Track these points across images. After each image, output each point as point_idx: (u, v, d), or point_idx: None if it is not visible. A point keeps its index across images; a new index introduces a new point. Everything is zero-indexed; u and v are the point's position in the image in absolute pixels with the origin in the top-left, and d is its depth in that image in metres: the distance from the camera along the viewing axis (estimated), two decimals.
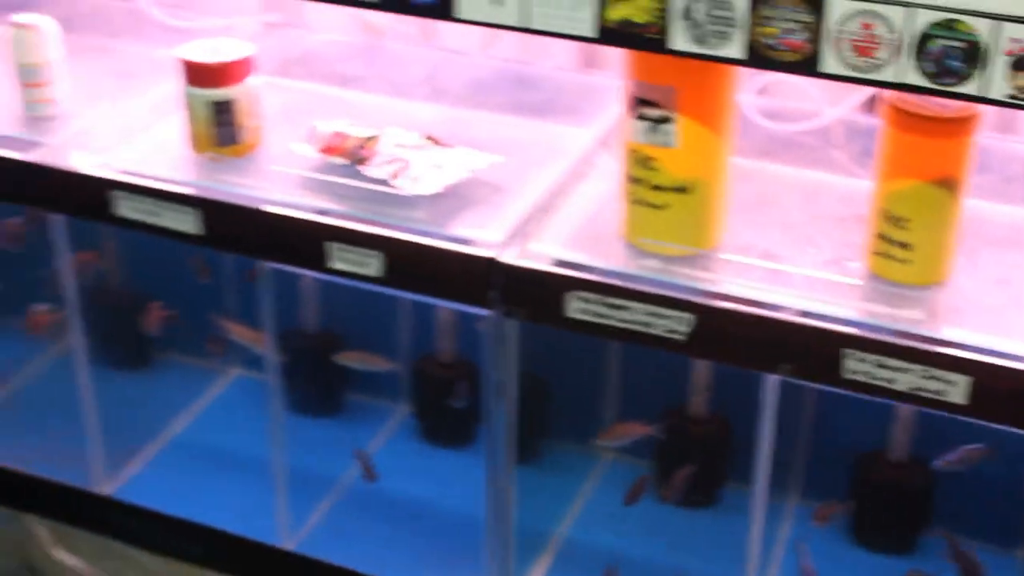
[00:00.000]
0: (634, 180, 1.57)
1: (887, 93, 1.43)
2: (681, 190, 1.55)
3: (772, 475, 1.62)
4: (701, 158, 1.55)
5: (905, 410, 1.79)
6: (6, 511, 2.12)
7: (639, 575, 1.86)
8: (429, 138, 1.78)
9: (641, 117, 1.53)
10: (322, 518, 1.96)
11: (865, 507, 1.92)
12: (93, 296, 2.02)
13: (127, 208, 1.75)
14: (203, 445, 2.09)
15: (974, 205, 1.66)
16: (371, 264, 1.65)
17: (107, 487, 2.01)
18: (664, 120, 1.52)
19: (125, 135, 1.85)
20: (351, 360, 2.00)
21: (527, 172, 1.76)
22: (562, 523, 1.95)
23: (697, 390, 1.93)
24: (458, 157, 1.73)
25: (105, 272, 2.12)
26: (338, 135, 1.77)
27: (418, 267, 1.63)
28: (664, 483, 1.90)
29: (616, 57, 1.58)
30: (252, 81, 1.77)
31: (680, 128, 1.52)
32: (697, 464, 1.88)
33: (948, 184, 1.49)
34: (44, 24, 1.83)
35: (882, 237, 1.54)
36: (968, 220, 1.56)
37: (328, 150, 1.76)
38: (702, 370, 1.92)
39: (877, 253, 1.55)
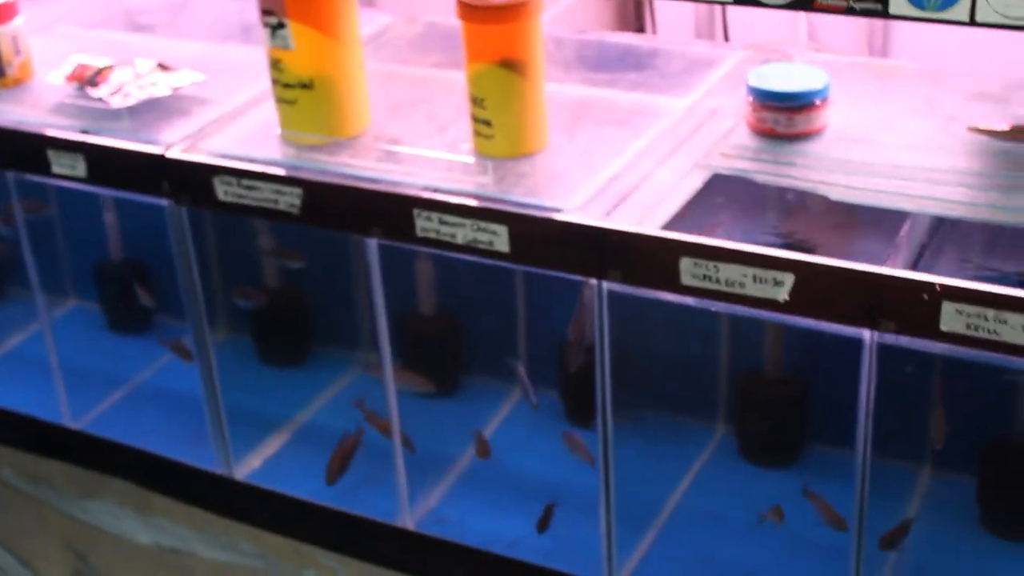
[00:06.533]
0: (273, 81, 1.83)
1: None
2: (306, 86, 1.80)
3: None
4: (319, 58, 1.79)
5: None
6: None
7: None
8: (160, 65, 2.06)
9: (265, 24, 1.78)
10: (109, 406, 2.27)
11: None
12: None
13: None
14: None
15: (601, 92, 1.91)
16: (79, 167, 1.94)
17: None
18: (280, 26, 1.77)
19: None
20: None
21: (233, 89, 2.02)
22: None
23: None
24: (171, 78, 2.01)
25: None
26: (81, 66, 2.07)
27: (112, 166, 1.91)
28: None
29: None
30: (14, 24, 2.08)
31: (294, 32, 1.76)
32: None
33: (511, 65, 1.70)
34: None
35: (474, 118, 1.75)
36: (589, 104, 1.83)
37: (71, 78, 2.06)
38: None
39: (474, 133, 1.77)
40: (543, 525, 1.89)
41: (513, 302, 2.17)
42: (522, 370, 2.00)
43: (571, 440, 1.92)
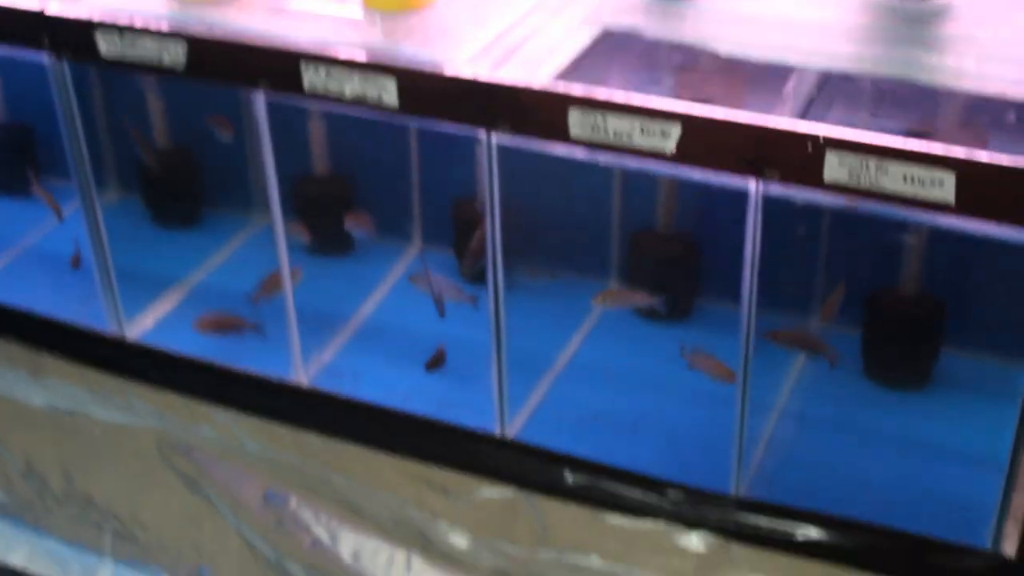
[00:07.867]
0: None
1: None
2: None
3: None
4: None
5: None
6: None
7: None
8: None
9: None
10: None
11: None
12: None
13: None
14: None
15: None
16: None
17: None
18: None
19: None
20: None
21: None
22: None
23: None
24: None
25: None
26: None
27: None
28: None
29: None
30: None
31: None
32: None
33: None
34: None
35: None
36: None
37: None
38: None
39: None
40: (433, 364, 1.93)
41: (407, 162, 2.16)
42: (431, 277, 1.99)
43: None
